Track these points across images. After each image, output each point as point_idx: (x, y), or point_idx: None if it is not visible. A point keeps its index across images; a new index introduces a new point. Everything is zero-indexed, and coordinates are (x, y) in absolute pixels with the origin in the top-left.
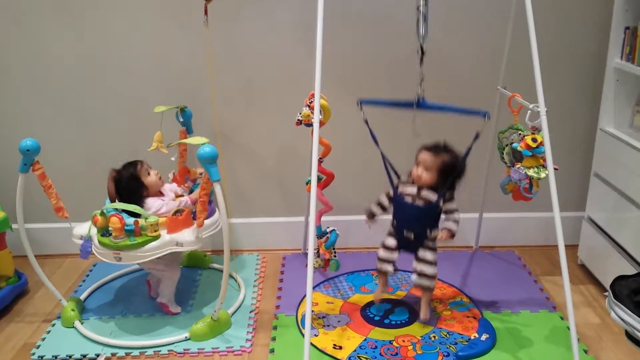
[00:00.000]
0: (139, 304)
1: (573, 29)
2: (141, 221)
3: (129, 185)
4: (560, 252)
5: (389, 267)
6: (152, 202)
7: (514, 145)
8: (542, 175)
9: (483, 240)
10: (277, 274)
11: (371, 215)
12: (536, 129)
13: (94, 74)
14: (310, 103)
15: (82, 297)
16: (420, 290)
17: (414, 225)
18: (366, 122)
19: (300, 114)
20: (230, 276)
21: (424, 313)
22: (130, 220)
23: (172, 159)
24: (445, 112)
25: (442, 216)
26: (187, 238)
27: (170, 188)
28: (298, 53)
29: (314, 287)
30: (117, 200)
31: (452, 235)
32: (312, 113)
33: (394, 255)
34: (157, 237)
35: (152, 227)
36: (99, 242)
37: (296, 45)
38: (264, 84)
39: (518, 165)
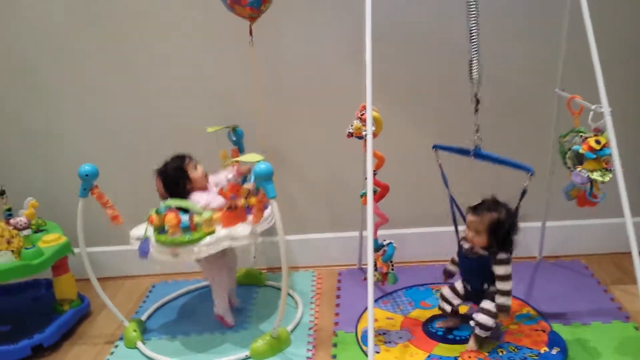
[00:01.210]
0: (199, 323)
1: (631, 27)
2: (196, 217)
3: (175, 177)
4: (634, 258)
5: (447, 307)
6: (198, 197)
7: (575, 147)
8: (607, 178)
9: (547, 250)
10: (333, 290)
11: (448, 274)
12: (599, 131)
13: (141, 98)
14: (361, 115)
15: (143, 317)
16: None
17: (470, 277)
18: (440, 165)
19: (351, 126)
20: (287, 293)
21: (471, 345)
22: (186, 217)
23: (229, 176)
24: (496, 163)
25: None
26: (242, 232)
27: (214, 182)
28: (343, 69)
29: None
30: (166, 196)
31: (504, 310)
32: (364, 125)
33: (456, 301)
34: (212, 232)
35: (207, 223)
36: (156, 240)
37: (341, 61)
38: (311, 100)
39: (580, 169)
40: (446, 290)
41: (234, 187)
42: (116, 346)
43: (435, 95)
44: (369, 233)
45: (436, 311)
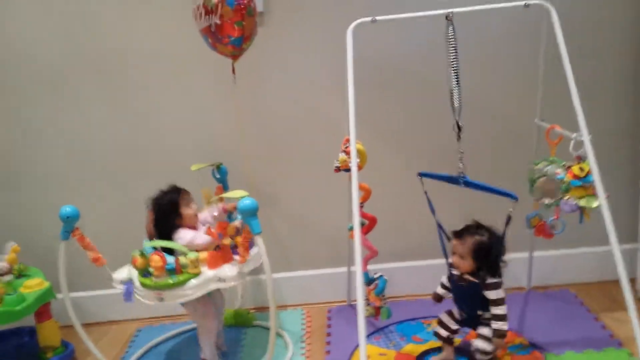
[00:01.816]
0: None
1: (605, 57)
2: (181, 258)
3: (166, 210)
4: (623, 285)
5: (444, 333)
6: (184, 233)
7: (559, 176)
8: (594, 204)
9: (535, 280)
10: (323, 327)
11: (438, 298)
12: (581, 158)
13: (125, 138)
14: (346, 148)
15: None
16: None
17: (463, 304)
18: (426, 193)
19: (337, 160)
20: (277, 333)
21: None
22: (172, 259)
23: (215, 214)
24: (481, 190)
25: None
26: (229, 273)
27: (203, 220)
28: (327, 104)
29: None
30: (154, 233)
31: (502, 335)
32: (349, 159)
33: (454, 326)
34: (198, 274)
35: (193, 264)
36: (141, 283)
37: (324, 97)
38: (295, 136)
39: (567, 197)
40: (444, 316)
41: (221, 224)
42: None
43: (420, 128)
44: (357, 266)
45: (429, 345)
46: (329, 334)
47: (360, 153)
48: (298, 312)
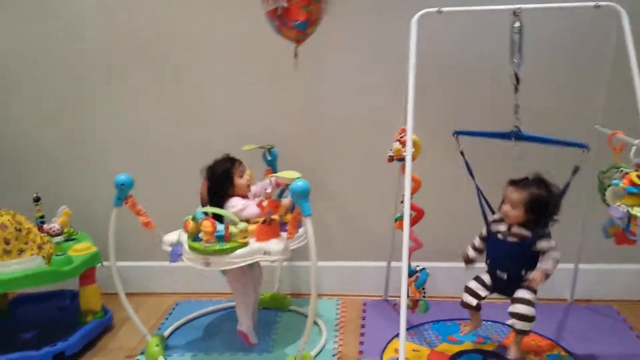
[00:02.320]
0: (221, 343)
1: None
2: (231, 227)
3: (220, 178)
4: None
5: (473, 300)
6: (236, 201)
7: (615, 182)
8: None
9: (578, 293)
10: (358, 319)
11: (468, 260)
12: None
13: (179, 114)
14: (401, 138)
15: (166, 334)
16: (514, 334)
17: (507, 264)
18: (462, 153)
19: (391, 149)
20: None
21: (513, 352)
22: (221, 226)
23: (268, 190)
24: (542, 143)
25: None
26: (275, 247)
27: (255, 192)
28: (383, 98)
29: (397, 334)
30: (207, 201)
31: (547, 276)
32: (403, 148)
33: (483, 292)
34: (246, 244)
35: (241, 234)
36: (190, 247)
37: (381, 90)
38: (347, 126)
39: (619, 203)
40: (472, 283)
41: (274, 203)
42: None
43: (475, 126)
44: (404, 255)
45: (464, 346)
46: (363, 326)
47: (415, 144)
48: (333, 302)
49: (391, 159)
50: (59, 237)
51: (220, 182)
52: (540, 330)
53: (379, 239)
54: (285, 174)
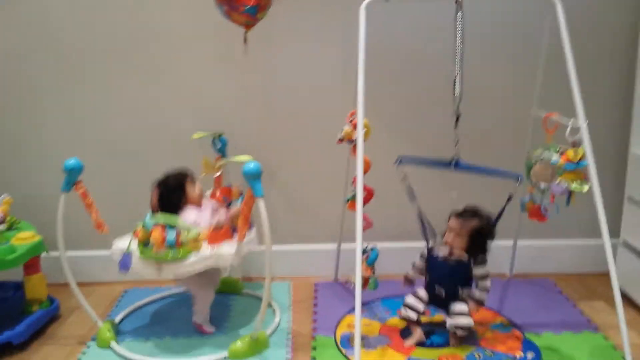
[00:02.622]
0: (174, 327)
1: (601, 55)
2: (183, 234)
3: (172, 193)
4: (611, 271)
5: (413, 315)
6: (188, 214)
7: (553, 160)
8: (585, 188)
9: (517, 268)
10: (310, 299)
11: (408, 280)
12: (576, 144)
13: (128, 102)
14: (351, 121)
15: (117, 319)
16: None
17: (445, 282)
18: (404, 179)
19: (341, 131)
20: None
21: (455, 342)
22: (173, 234)
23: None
24: (479, 173)
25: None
26: (227, 251)
27: (208, 203)
28: (332, 80)
29: (348, 311)
30: (158, 209)
31: (481, 305)
32: (354, 130)
33: (421, 306)
34: (198, 249)
35: (193, 240)
36: (140, 254)
37: (330, 72)
38: (298, 112)
39: (559, 180)
40: (410, 298)
41: (225, 189)
42: (88, 346)
43: (421, 110)
44: (357, 234)
45: None
46: (315, 305)
47: (365, 126)
48: (285, 284)
49: (340, 140)
50: (1, 226)
51: (174, 196)
52: None
53: (329, 222)
54: (236, 158)
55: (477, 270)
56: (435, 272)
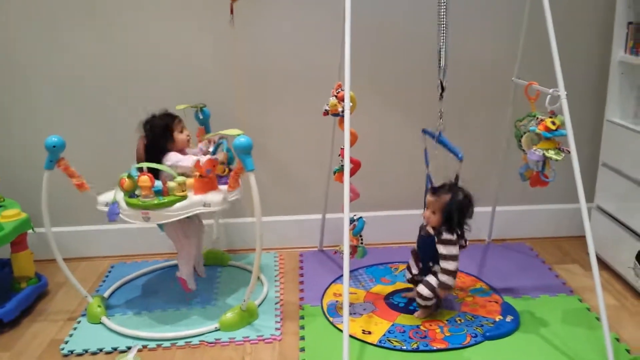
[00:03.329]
0: (162, 300)
1: (577, 27)
2: (169, 182)
3: (160, 133)
4: (588, 236)
5: (407, 275)
6: (172, 156)
7: (532, 128)
8: (560, 157)
9: (494, 234)
10: (296, 269)
11: (416, 255)
12: (554, 113)
13: (112, 69)
14: (337, 93)
15: (105, 295)
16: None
17: (422, 254)
18: (425, 150)
19: (327, 104)
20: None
21: (417, 314)
22: (159, 182)
23: (202, 147)
24: (445, 147)
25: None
26: (214, 199)
27: (192, 152)
28: (318, 52)
29: (334, 280)
30: (144, 157)
31: (445, 287)
32: (340, 103)
33: (414, 270)
34: (184, 197)
35: (179, 187)
36: (127, 203)
37: (317, 44)
38: (284, 83)
39: (535, 148)
40: (411, 260)
41: (210, 161)
42: (79, 322)
43: (408, 81)
44: (345, 205)
45: (397, 286)
46: (301, 275)
47: (351, 99)
48: (271, 255)
49: (326, 113)
50: None
51: (160, 136)
52: (463, 268)
53: (312, 193)
54: (228, 131)
55: (440, 249)
56: (418, 243)
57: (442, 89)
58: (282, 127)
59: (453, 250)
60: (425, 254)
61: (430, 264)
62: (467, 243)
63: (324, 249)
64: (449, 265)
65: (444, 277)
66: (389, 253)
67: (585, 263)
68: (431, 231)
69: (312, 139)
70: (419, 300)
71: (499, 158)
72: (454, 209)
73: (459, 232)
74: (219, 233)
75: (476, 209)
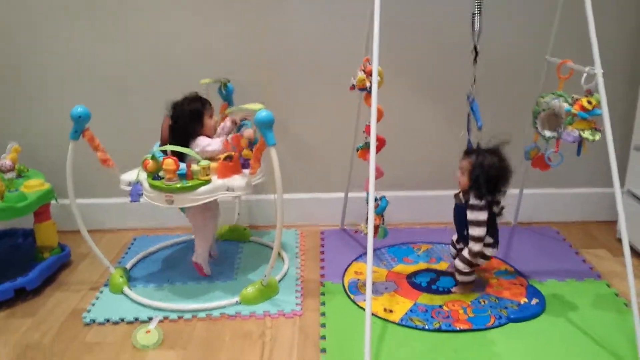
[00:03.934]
0: (183, 274)
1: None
2: (193, 165)
3: (191, 118)
4: (621, 224)
5: (452, 251)
6: (201, 140)
7: (567, 108)
8: (597, 137)
9: (521, 217)
10: (317, 247)
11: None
12: (590, 92)
13: (136, 44)
14: (365, 68)
15: (128, 266)
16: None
17: (456, 223)
18: (468, 115)
19: (354, 78)
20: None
21: (455, 288)
22: (183, 165)
23: (227, 124)
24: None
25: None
26: (238, 183)
27: (218, 134)
28: (340, 29)
29: (355, 259)
30: (169, 138)
31: (475, 255)
32: (367, 77)
33: (458, 245)
34: (208, 181)
35: (203, 171)
36: (150, 185)
37: (343, 17)
38: (308, 58)
39: (571, 128)
40: (454, 236)
41: (236, 137)
42: (101, 292)
43: (435, 58)
44: (370, 182)
45: (419, 266)
46: (322, 252)
47: (379, 73)
48: (292, 232)
49: (353, 87)
50: (11, 174)
51: (190, 121)
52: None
53: (335, 172)
54: (249, 106)
55: (468, 215)
56: (454, 215)
57: (476, 53)
58: (305, 103)
59: (479, 215)
60: (461, 222)
61: (466, 233)
62: (503, 211)
63: (346, 227)
64: (474, 231)
65: (471, 243)
66: (411, 233)
67: (614, 248)
68: (461, 197)
69: (336, 116)
70: (457, 276)
71: (526, 140)
72: (480, 171)
73: (490, 198)
74: (241, 209)
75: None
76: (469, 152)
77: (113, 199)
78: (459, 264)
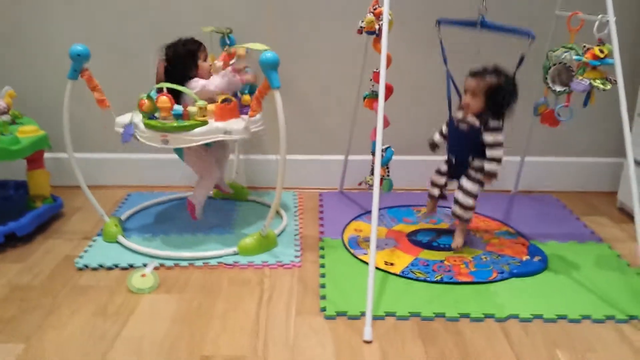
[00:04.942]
0: (179, 226)
1: None
2: (190, 107)
3: (185, 59)
4: (633, 190)
5: (435, 191)
6: (198, 81)
7: (577, 57)
8: (608, 86)
9: (521, 185)
10: (315, 208)
11: (433, 144)
12: (602, 41)
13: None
14: (375, 10)
15: (122, 217)
16: (457, 220)
17: (457, 149)
18: (441, 42)
19: (362, 21)
20: (269, 207)
21: (456, 241)
22: (179, 106)
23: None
24: (498, 31)
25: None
26: (236, 126)
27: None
28: None
29: (354, 218)
30: (164, 80)
31: (492, 176)
32: (377, 20)
33: (442, 180)
34: (205, 123)
35: (200, 112)
36: (146, 125)
37: None
38: (307, 13)
39: (581, 77)
40: (433, 175)
41: (236, 69)
42: (94, 240)
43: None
44: (378, 131)
45: (419, 226)
46: (321, 212)
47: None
48: (291, 194)
49: (360, 31)
50: (5, 117)
51: (184, 62)
52: (489, 213)
53: (334, 134)
54: (253, 45)
55: (487, 137)
56: (451, 138)
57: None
58: (305, 64)
59: (499, 137)
60: (465, 147)
61: (471, 158)
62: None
63: (345, 190)
64: (497, 152)
65: (492, 165)
66: (411, 196)
67: (615, 217)
68: (473, 120)
69: (337, 76)
70: (458, 210)
71: (530, 106)
72: (501, 93)
73: (503, 119)
74: (239, 168)
75: (505, 158)
76: (476, 72)
77: (107, 154)
78: (464, 198)
